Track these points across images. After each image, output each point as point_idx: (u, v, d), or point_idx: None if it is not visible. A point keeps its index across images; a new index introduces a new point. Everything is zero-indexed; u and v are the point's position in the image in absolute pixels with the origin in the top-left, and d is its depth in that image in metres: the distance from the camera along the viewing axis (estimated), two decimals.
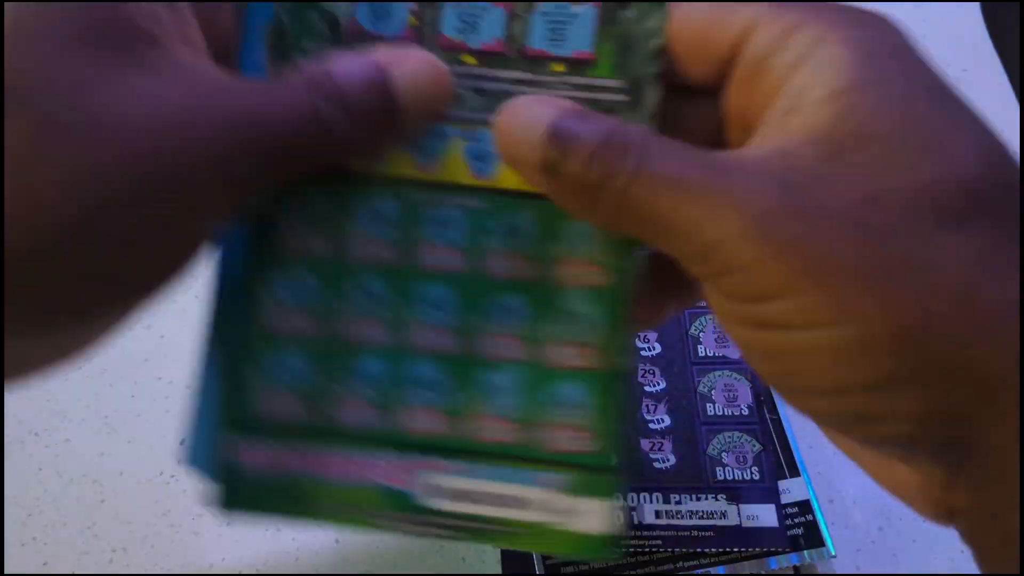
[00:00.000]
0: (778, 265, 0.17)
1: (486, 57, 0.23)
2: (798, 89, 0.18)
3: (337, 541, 0.37)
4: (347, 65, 0.20)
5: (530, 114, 0.20)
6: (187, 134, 0.17)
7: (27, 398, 0.40)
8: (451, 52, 0.23)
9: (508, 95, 0.22)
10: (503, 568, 0.35)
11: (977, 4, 0.59)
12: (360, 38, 0.23)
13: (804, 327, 0.17)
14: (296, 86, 0.19)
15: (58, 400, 0.40)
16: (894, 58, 0.18)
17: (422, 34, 0.23)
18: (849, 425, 0.19)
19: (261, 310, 0.23)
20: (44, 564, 0.36)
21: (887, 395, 0.17)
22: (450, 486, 0.22)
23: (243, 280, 0.23)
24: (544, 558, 0.34)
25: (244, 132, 0.18)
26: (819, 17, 0.18)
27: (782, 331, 0.18)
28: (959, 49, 0.57)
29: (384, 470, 0.22)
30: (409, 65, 0.21)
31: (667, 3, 0.21)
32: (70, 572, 0.36)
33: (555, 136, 0.19)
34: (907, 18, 0.60)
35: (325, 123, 0.19)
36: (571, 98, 0.22)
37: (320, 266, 0.23)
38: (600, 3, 0.23)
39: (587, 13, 0.23)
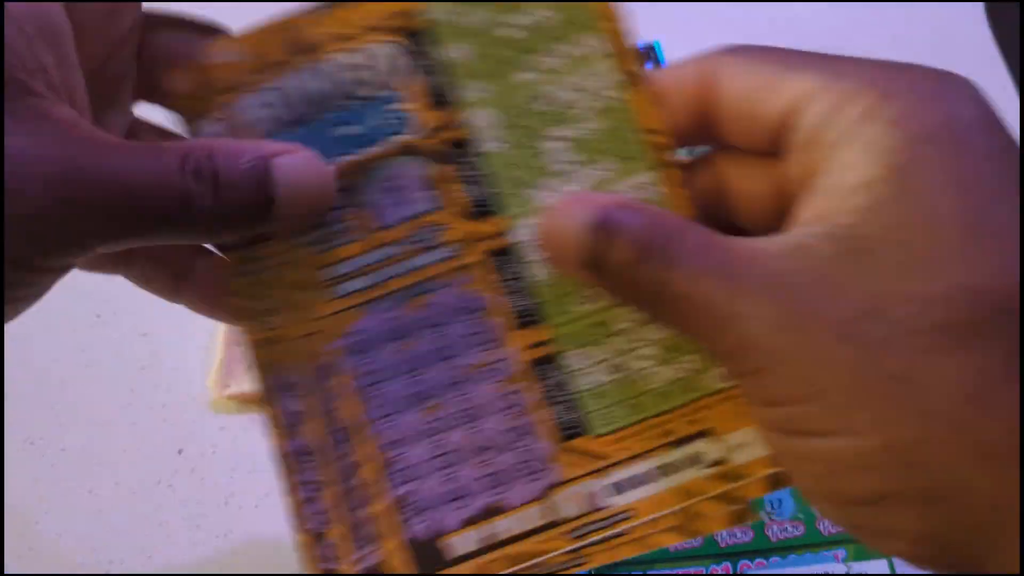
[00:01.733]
0: (781, 375, 0.17)
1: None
2: (838, 169, 0.18)
3: None
4: (232, 148, 0.20)
5: (573, 212, 0.20)
6: (46, 186, 0.17)
7: (23, 406, 0.40)
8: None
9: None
10: None
11: (981, 4, 0.59)
12: None
13: (806, 435, 0.17)
14: (171, 157, 0.19)
15: (54, 409, 0.40)
16: (940, 142, 0.17)
17: None
18: (860, 537, 0.19)
19: None
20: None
21: (883, 512, 0.17)
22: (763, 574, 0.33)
23: None
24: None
25: (104, 192, 0.18)
26: (873, 86, 0.18)
27: (791, 436, 0.18)
28: (962, 50, 0.56)
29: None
30: (295, 161, 0.21)
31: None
32: None
33: (601, 228, 0.19)
34: (909, 18, 0.59)
35: (189, 199, 0.19)
36: None
37: None
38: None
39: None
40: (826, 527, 0.34)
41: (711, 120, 0.21)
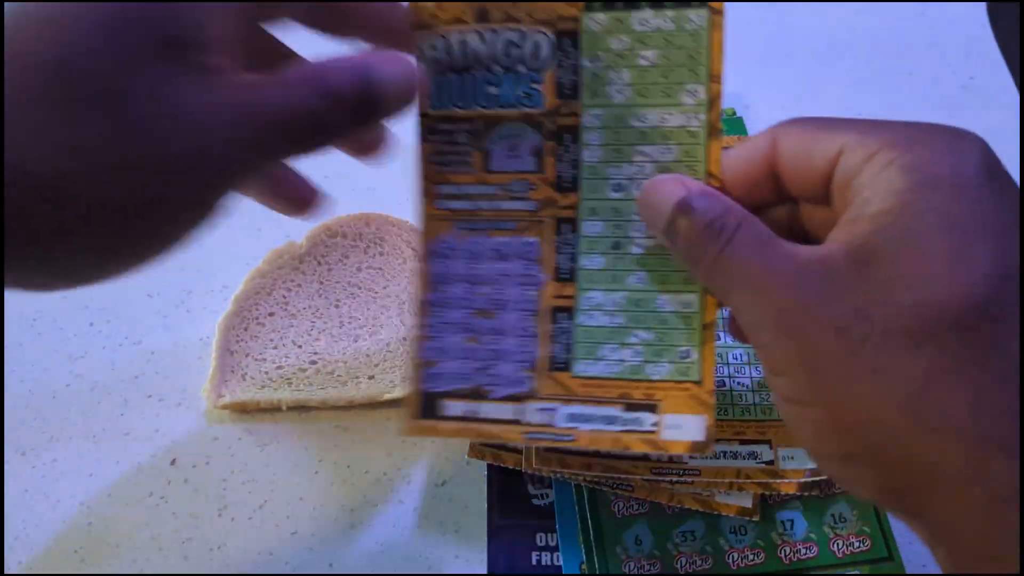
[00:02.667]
0: (784, 349, 0.23)
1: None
2: (861, 204, 0.23)
3: (331, 565, 0.36)
4: (338, 66, 0.25)
5: (665, 188, 0.27)
6: (216, 128, 0.22)
7: (14, 417, 0.39)
8: None
9: None
10: (488, 567, 0.34)
11: (983, 5, 0.59)
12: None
13: (797, 402, 0.23)
14: (294, 83, 0.24)
15: (46, 419, 0.39)
16: (941, 188, 0.22)
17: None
18: (843, 487, 0.26)
19: (608, 503, 0.34)
20: None
21: (851, 468, 0.23)
22: None
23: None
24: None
25: (253, 124, 0.23)
26: (895, 142, 0.23)
27: (787, 403, 0.24)
28: (964, 53, 0.56)
29: None
30: (389, 66, 0.26)
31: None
32: None
33: (681, 205, 0.26)
34: (911, 21, 0.59)
35: (316, 114, 0.24)
36: None
37: None
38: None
39: None
40: (840, 548, 0.33)
41: (777, 175, 0.26)
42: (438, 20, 0.31)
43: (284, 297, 0.42)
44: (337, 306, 0.42)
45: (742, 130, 0.45)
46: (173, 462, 0.38)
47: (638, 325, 0.30)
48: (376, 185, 0.48)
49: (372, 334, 0.41)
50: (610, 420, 0.30)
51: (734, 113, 0.46)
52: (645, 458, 0.33)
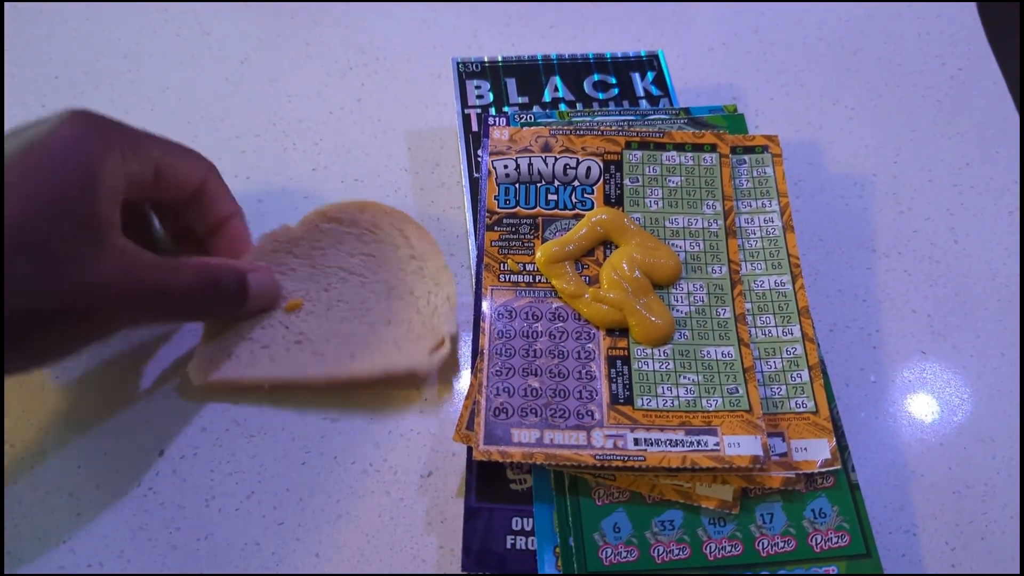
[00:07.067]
0: None
1: None
2: None
3: (317, 555, 0.36)
4: (224, 266, 0.37)
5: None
6: (116, 294, 0.32)
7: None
8: None
9: None
10: (463, 549, 0.35)
11: (974, 4, 0.59)
12: None
13: None
14: (189, 271, 0.35)
15: (33, 412, 0.39)
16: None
17: None
18: None
19: (589, 491, 0.35)
20: None
21: None
22: None
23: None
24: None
25: (151, 296, 0.34)
26: None
27: None
28: (955, 49, 0.56)
29: None
30: (259, 276, 0.39)
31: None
32: None
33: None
34: (903, 17, 0.59)
35: (200, 297, 0.36)
36: None
37: None
38: None
39: None
40: (818, 543, 0.34)
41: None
42: (511, 150, 0.42)
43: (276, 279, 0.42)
44: (327, 290, 0.42)
45: (743, 127, 0.45)
46: (161, 453, 0.38)
47: (687, 370, 0.37)
48: (363, 176, 0.48)
49: (358, 316, 0.41)
50: (674, 443, 0.34)
51: (735, 109, 0.46)
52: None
